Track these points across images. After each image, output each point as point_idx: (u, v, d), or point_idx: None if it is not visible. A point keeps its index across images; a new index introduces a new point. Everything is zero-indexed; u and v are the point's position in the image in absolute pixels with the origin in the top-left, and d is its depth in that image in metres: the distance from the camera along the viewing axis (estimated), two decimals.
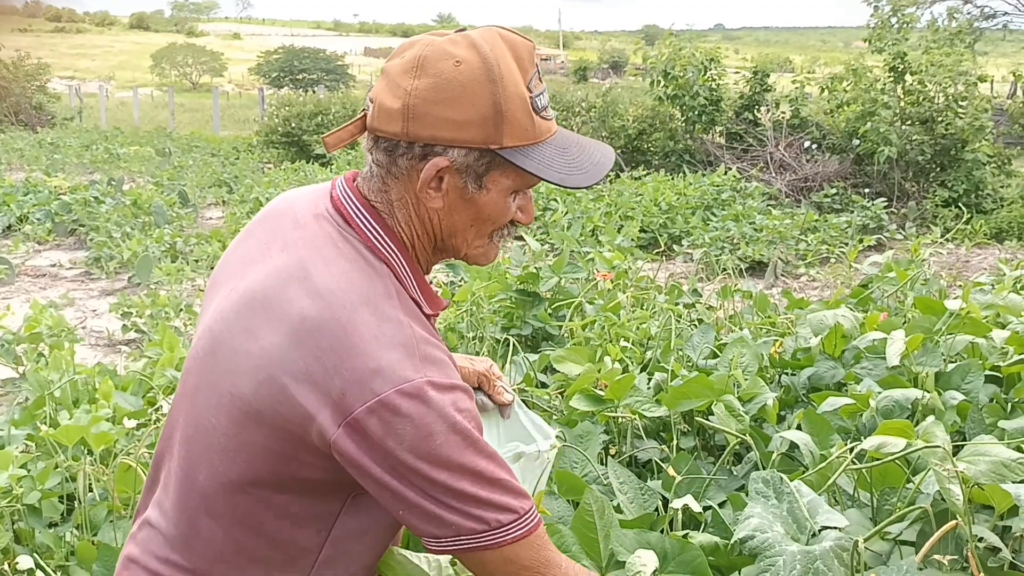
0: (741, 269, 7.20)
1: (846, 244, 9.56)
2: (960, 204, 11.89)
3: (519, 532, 1.33)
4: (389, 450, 1.25)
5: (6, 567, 2.44)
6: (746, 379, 2.79)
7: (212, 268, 8.65)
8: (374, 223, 1.39)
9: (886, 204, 11.63)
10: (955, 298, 3.32)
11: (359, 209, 1.40)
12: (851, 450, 2.08)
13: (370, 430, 1.25)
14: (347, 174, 1.47)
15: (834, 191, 12.50)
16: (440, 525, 1.30)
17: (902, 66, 12.76)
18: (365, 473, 1.28)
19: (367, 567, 1.51)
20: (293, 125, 19.96)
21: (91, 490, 2.96)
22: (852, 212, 11.31)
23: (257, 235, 1.47)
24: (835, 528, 1.84)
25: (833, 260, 8.80)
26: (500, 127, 1.32)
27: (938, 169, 12.84)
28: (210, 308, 1.45)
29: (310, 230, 1.40)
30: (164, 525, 1.45)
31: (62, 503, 3.03)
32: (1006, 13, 21.53)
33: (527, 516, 1.35)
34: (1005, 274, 4.33)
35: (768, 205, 11.73)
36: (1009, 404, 2.71)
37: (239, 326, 1.35)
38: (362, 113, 1.39)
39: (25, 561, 2.31)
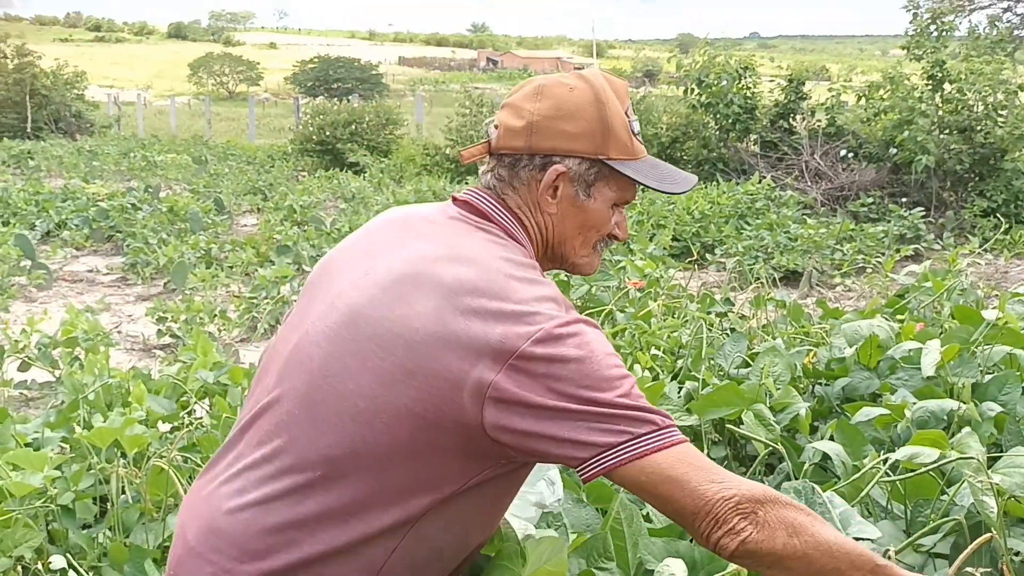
0: (775, 278, 7.14)
1: (883, 254, 9.45)
2: (999, 214, 11.71)
3: (665, 439, 1.39)
4: (554, 375, 1.37)
5: (39, 567, 2.47)
6: (778, 388, 2.77)
7: (247, 274, 8.73)
8: (509, 216, 1.60)
9: (924, 214, 11.48)
10: (992, 308, 3.27)
11: (495, 205, 1.60)
12: (884, 461, 2.06)
13: (536, 359, 1.37)
14: (469, 188, 1.65)
15: (871, 200, 12.36)
16: (589, 444, 1.37)
17: (941, 74, 12.59)
18: (525, 409, 1.37)
19: (460, 539, 1.55)
20: (328, 133, 20.09)
21: (124, 492, 2.98)
22: (889, 222, 11.18)
23: (381, 233, 1.61)
24: (867, 540, 1.82)
25: (869, 270, 8.70)
26: (607, 140, 1.57)
27: (977, 179, 12.66)
28: (333, 289, 1.54)
29: (447, 225, 1.58)
30: (268, 490, 1.46)
31: (96, 505, 3.06)
32: None
33: (667, 425, 1.41)
34: None
35: (803, 214, 11.62)
36: None
37: (387, 297, 1.46)
38: (485, 140, 1.62)
39: (58, 561, 2.34)
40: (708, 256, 9.64)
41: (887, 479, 2.04)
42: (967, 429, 2.10)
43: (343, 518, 1.44)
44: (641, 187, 1.64)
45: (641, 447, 1.38)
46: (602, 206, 1.61)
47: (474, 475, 1.45)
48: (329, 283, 1.57)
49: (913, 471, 1.99)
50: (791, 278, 9.02)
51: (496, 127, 1.61)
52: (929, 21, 12.72)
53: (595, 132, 1.57)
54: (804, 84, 14.72)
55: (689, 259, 7.70)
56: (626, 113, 1.61)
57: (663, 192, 1.64)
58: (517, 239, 1.58)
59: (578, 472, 1.40)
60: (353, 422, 1.43)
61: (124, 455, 3.07)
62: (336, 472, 1.43)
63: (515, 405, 1.37)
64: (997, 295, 5.08)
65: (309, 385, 1.48)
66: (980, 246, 8.48)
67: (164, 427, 3.19)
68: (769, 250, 9.50)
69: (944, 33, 12.74)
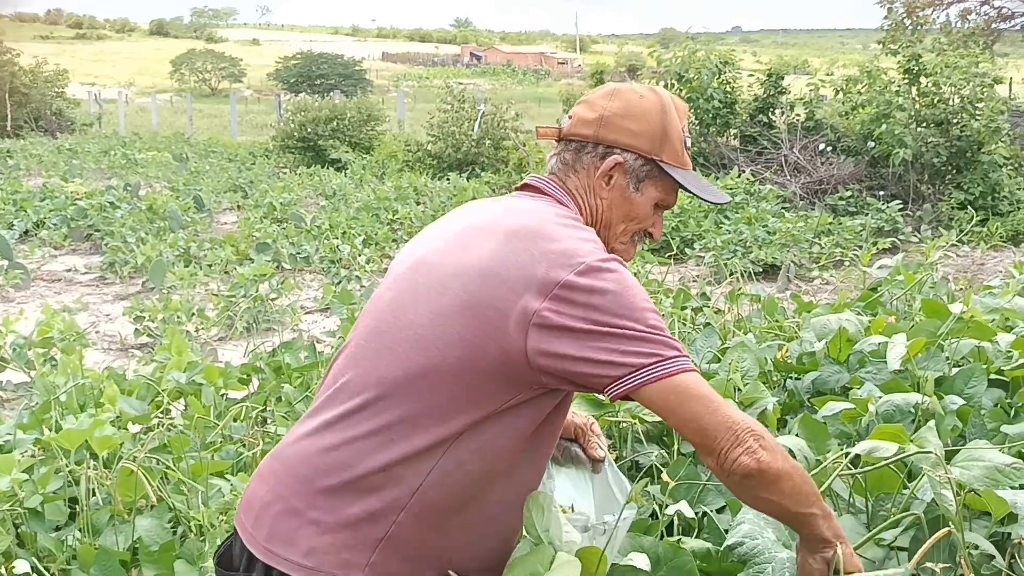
0: (751, 272, 7.17)
1: (860, 247, 9.50)
2: (976, 206, 11.79)
3: (689, 364, 1.57)
4: (593, 304, 1.54)
5: (2, 570, 2.45)
6: (746, 384, 2.78)
7: (226, 272, 8.71)
8: (563, 192, 1.80)
9: (901, 207, 11.55)
10: (961, 302, 3.29)
11: (551, 184, 1.81)
12: (846, 455, 2.07)
13: (578, 288, 1.55)
14: (530, 175, 1.88)
15: (849, 194, 12.42)
16: (622, 364, 1.54)
17: (917, 68, 12.66)
18: (566, 333, 1.54)
19: (491, 468, 1.65)
20: (309, 130, 20.02)
21: (94, 494, 2.97)
22: (867, 215, 11.24)
23: (450, 219, 1.83)
24: None
25: (847, 263, 8.74)
26: (663, 145, 1.79)
27: (954, 171, 12.74)
28: (408, 257, 1.77)
29: (506, 200, 1.83)
30: (326, 417, 1.66)
31: (67, 507, 3.04)
32: (1023, 15, 21.27)
33: (685, 357, 1.58)
34: (1015, 277, 4.28)
35: (782, 208, 11.67)
36: (1013, 409, 2.68)
37: (451, 246, 1.68)
38: (559, 127, 1.86)
39: (21, 565, 2.33)
40: (688, 250, 9.67)
41: (847, 473, 2.04)
42: (929, 424, 2.11)
43: (388, 437, 1.59)
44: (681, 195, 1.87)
45: (670, 367, 1.54)
46: (647, 202, 1.81)
47: (507, 400, 1.60)
48: (402, 259, 1.80)
49: (873, 465, 2.00)
50: (770, 272, 9.06)
51: (570, 118, 1.84)
52: (904, 15, 12.78)
53: (655, 135, 1.78)
54: (783, 79, 14.77)
55: (669, 254, 7.72)
56: (683, 130, 1.82)
57: (701, 199, 1.86)
58: (567, 206, 1.78)
59: (607, 390, 1.56)
60: (410, 348, 1.61)
61: (96, 457, 3.05)
62: (388, 392, 1.61)
63: (557, 330, 1.54)
64: (965, 287, 5.11)
65: (376, 319, 1.70)
66: (957, 238, 8.54)
67: (134, 428, 3.17)
68: (748, 244, 9.53)
69: (919, 27, 12.80)
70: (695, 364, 1.64)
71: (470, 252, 1.64)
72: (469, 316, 1.58)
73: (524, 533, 1.72)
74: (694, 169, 1.90)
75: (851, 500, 2.17)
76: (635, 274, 5.31)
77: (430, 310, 1.62)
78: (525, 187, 1.85)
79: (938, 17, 16.46)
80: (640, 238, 1.86)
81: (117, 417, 3.50)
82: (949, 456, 1.98)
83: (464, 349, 1.58)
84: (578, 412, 1.99)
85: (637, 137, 1.78)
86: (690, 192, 1.81)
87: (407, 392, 1.60)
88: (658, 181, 1.80)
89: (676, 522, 2.27)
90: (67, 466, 3.03)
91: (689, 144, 1.85)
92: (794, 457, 2.42)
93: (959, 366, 2.88)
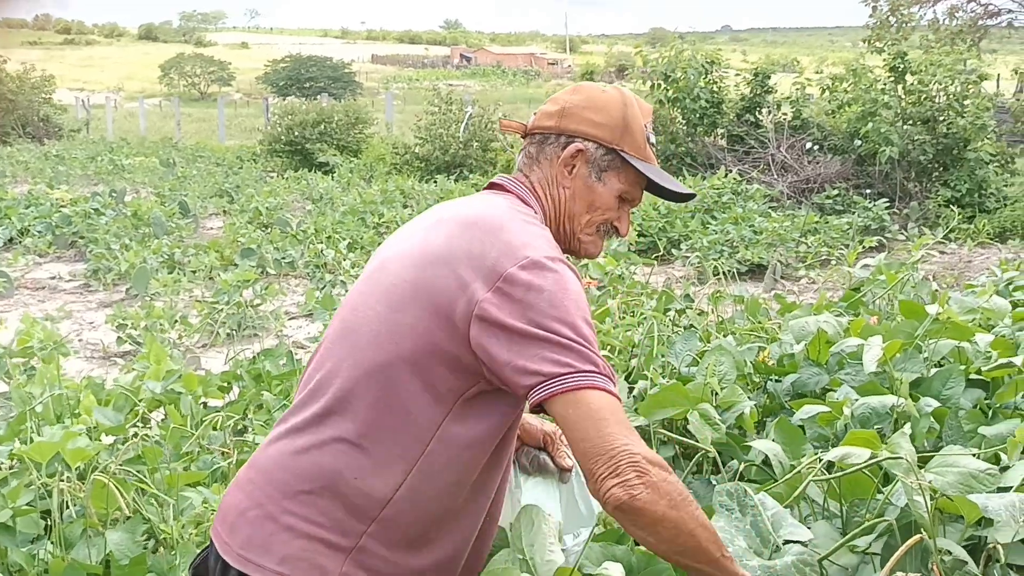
0: (736, 272, 7.16)
1: (847, 246, 9.50)
2: (963, 204, 11.80)
3: (601, 382, 1.52)
4: (529, 301, 1.53)
5: None
6: (723, 388, 2.75)
7: (211, 279, 8.65)
8: (524, 188, 1.82)
9: (888, 205, 11.56)
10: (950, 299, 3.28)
11: (513, 181, 1.83)
12: (820, 460, 2.05)
13: (518, 283, 1.54)
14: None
15: (836, 192, 12.44)
16: (537, 372, 1.51)
17: (902, 66, 12.68)
18: (500, 331, 1.53)
19: (462, 480, 1.65)
20: (296, 133, 19.98)
21: (68, 507, 2.93)
22: (854, 213, 11.25)
23: (418, 218, 1.85)
24: (799, 542, 1.81)
25: (834, 262, 8.74)
26: (624, 136, 1.80)
27: (940, 169, 12.77)
28: (376, 259, 1.79)
29: (469, 197, 1.87)
30: (296, 421, 1.66)
31: (44, 519, 3.00)
32: (1010, 11, 21.33)
33: (608, 375, 1.54)
34: (997, 276, 4.27)
35: (769, 207, 11.67)
36: (991, 409, 2.67)
37: (412, 241, 1.70)
38: (524, 123, 1.89)
39: None
40: (674, 251, 9.65)
41: (820, 479, 2.02)
42: (903, 428, 2.09)
43: (355, 443, 1.59)
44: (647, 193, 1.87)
45: (578, 381, 1.50)
46: (610, 193, 1.80)
47: (464, 391, 1.59)
48: (373, 259, 1.82)
49: (845, 471, 1.98)
50: (757, 272, 9.06)
51: (535, 114, 1.87)
52: (888, 13, 12.82)
53: (616, 126, 1.79)
54: (770, 78, 14.77)
55: (655, 254, 7.71)
56: (645, 126, 1.84)
57: (664, 192, 1.84)
58: (529, 204, 1.79)
59: (529, 400, 1.55)
60: (368, 345, 1.62)
61: (69, 468, 3.01)
62: (350, 394, 1.60)
63: (493, 327, 1.54)
64: (952, 285, 5.10)
65: (343, 320, 1.71)
66: (944, 236, 8.54)
67: (108, 440, 3.13)
68: (734, 244, 9.52)
69: (904, 25, 12.84)
70: (614, 387, 1.55)
71: (426, 242, 1.66)
72: (420, 303, 1.59)
73: (508, 542, 1.71)
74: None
75: (826, 505, 2.15)
76: (619, 276, 5.29)
77: (386, 304, 1.63)
78: (492, 186, 1.86)
79: (924, 14, 16.59)
80: (607, 231, 1.86)
81: (93, 428, 3.47)
82: (924, 461, 1.96)
83: (416, 339, 1.58)
84: (547, 421, 1.96)
85: (598, 127, 1.79)
86: (654, 185, 1.82)
87: (367, 392, 1.59)
88: (621, 172, 1.81)
89: None
90: (40, 479, 2.99)
91: (653, 140, 1.86)
92: (769, 463, 2.41)
93: (940, 367, 2.87)
